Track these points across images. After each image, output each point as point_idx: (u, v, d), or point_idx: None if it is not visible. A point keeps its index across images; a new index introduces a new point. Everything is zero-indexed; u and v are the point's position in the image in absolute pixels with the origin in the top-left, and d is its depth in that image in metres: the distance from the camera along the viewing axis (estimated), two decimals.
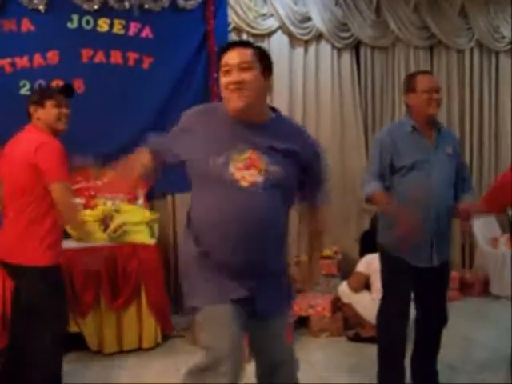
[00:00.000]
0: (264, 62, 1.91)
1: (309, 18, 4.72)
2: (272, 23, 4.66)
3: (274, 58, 4.61)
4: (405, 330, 2.74)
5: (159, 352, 3.67)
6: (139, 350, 3.65)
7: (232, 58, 1.87)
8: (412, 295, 2.82)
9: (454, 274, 4.90)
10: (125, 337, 3.61)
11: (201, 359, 1.87)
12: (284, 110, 4.67)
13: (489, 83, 5.37)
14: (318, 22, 4.72)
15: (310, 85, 4.79)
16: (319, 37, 4.80)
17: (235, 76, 1.84)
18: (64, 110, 2.74)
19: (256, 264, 1.92)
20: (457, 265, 5.21)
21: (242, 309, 1.91)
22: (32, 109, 2.73)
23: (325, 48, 4.83)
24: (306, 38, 4.74)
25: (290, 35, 4.71)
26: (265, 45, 4.67)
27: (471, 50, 5.30)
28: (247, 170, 1.86)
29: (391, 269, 2.75)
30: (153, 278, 3.62)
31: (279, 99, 4.67)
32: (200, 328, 1.98)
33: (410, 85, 2.67)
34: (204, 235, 1.92)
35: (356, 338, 3.79)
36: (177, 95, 4.33)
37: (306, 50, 4.79)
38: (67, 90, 2.84)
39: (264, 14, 4.64)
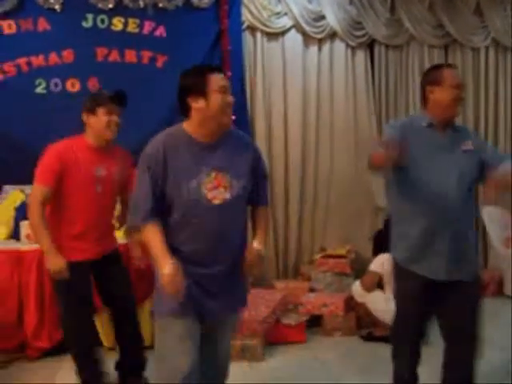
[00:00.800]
0: None
1: (323, 17, 4.72)
2: (286, 22, 4.66)
3: (287, 56, 4.72)
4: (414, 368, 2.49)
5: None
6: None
7: (223, 79, 2.11)
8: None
9: None
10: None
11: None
12: (297, 109, 4.71)
13: (504, 82, 5.32)
14: (332, 20, 4.71)
15: (323, 83, 4.80)
16: (333, 35, 4.79)
17: (231, 97, 2.12)
18: (114, 118, 2.79)
19: (229, 268, 2.16)
20: None
21: (199, 320, 2.11)
22: (84, 116, 2.78)
23: (339, 47, 4.83)
24: (319, 36, 4.74)
25: (304, 34, 4.71)
26: (279, 43, 4.69)
27: (486, 48, 5.25)
28: (216, 189, 2.09)
29: (405, 290, 2.45)
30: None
31: (293, 98, 4.69)
32: (159, 337, 2.13)
33: (435, 78, 2.40)
34: (185, 251, 2.11)
35: (369, 338, 3.78)
36: None
37: (319, 49, 4.80)
38: (120, 98, 2.84)
39: (278, 13, 4.64)
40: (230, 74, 4.42)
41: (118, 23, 4.22)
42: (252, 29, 4.61)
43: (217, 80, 2.08)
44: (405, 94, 5.03)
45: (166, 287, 1.99)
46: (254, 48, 4.64)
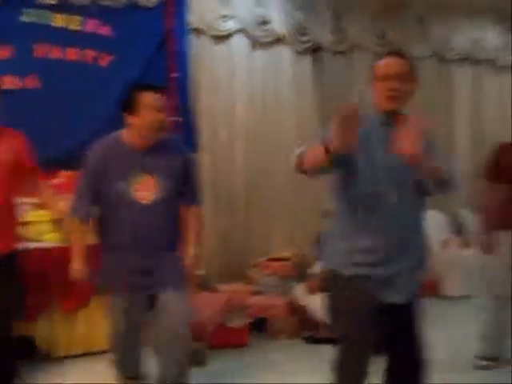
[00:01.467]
0: None
1: (269, 21, 4.75)
2: (232, 25, 4.66)
3: (233, 59, 4.72)
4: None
5: None
6: (92, 354, 3.56)
7: (157, 98, 2.39)
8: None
9: None
10: (77, 340, 3.52)
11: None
12: (243, 113, 4.71)
13: (442, 91, 5.54)
14: (279, 25, 4.76)
15: (269, 87, 4.83)
16: (279, 40, 4.83)
17: (163, 115, 2.42)
18: None
19: (156, 257, 2.49)
20: None
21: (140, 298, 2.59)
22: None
23: (284, 51, 4.88)
24: (265, 40, 4.77)
25: (250, 38, 4.73)
26: (225, 46, 4.68)
27: (426, 58, 5.45)
28: (144, 190, 2.41)
29: (349, 301, 2.10)
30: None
31: (238, 102, 4.69)
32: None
33: (373, 71, 2.13)
34: (116, 244, 2.49)
35: (312, 340, 3.82)
36: None
37: (265, 53, 4.82)
38: None
39: (224, 16, 4.63)
40: (176, 75, 4.38)
41: (59, 20, 4.09)
42: (198, 31, 4.58)
43: (149, 98, 2.37)
44: (349, 99, 5.12)
45: (72, 277, 2.53)
46: (200, 50, 4.60)
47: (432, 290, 5.10)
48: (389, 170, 2.01)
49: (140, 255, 2.47)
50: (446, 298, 5.05)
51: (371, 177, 2.02)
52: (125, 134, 2.46)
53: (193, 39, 4.56)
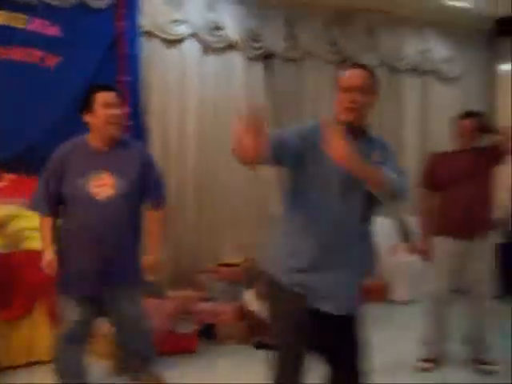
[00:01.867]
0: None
1: (221, 27, 4.75)
2: (184, 30, 4.64)
3: (185, 64, 4.69)
4: None
5: None
6: (34, 363, 3.45)
7: (110, 96, 2.61)
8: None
9: None
10: (18, 350, 3.41)
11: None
12: (194, 118, 4.69)
13: (391, 100, 5.67)
14: (231, 31, 4.76)
15: (221, 93, 4.82)
16: (231, 46, 4.84)
17: (118, 110, 2.63)
18: None
19: (113, 255, 2.62)
20: None
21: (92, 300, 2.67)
22: None
23: (237, 57, 4.89)
24: (218, 46, 4.77)
25: (202, 43, 4.71)
26: (177, 51, 4.65)
27: (376, 67, 5.56)
28: (102, 187, 2.58)
29: (285, 306, 2.09)
30: (53, 286, 3.45)
31: (190, 106, 4.67)
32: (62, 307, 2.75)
33: (336, 82, 2.11)
34: (74, 240, 2.62)
35: (261, 345, 3.82)
36: None
37: (217, 59, 4.82)
38: None
39: (176, 20, 4.61)
40: (126, 78, 4.32)
41: (1, 17, 3.95)
42: (149, 34, 4.54)
43: (103, 97, 2.59)
44: (301, 106, 5.19)
45: (46, 269, 2.63)
46: (151, 54, 4.56)
47: (380, 294, 5.21)
48: (336, 178, 2.01)
49: (97, 251, 2.59)
50: (393, 302, 5.15)
51: (318, 184, 2.03)
52: (88, 136, 2.67)
53: (144, 42, 4.51)
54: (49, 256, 2.62)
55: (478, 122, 3.43)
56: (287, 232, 2.12)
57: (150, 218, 2.79)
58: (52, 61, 4.10)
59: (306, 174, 2.03)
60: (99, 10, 4.25)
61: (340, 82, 2.08)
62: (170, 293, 4.28)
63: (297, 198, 2.08)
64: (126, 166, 2.65)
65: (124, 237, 2.66)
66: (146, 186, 2.71)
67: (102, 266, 2.63)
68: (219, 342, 3.92)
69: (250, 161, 1.75)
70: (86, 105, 2.62)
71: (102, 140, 2.64)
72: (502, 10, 5.67)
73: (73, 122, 4.13)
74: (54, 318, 3.47)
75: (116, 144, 2.66)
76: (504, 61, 6.22)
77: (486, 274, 3.48)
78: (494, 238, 3.78)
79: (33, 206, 2.73)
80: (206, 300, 4.21)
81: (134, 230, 2.71)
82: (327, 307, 2.05)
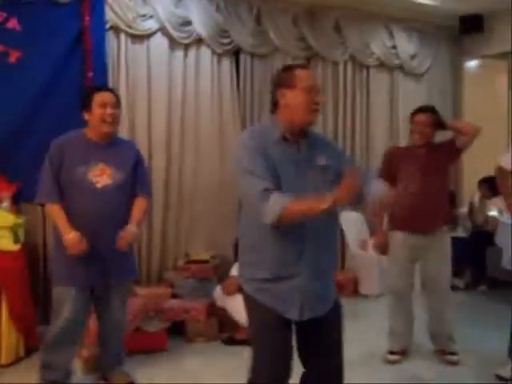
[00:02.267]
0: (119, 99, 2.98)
1: (189, 22, 4.70)
2: (152, 25, 4.57)
3: (152, 60, 4.63)
4: None
5: (21, 367, 3.41)
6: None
7: (107, 96, 2.87)
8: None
9: None
10: None
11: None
12: (162, 114, 4.64)
13: (360, 95, 5.72)
14: (199, 26, 4.72)
15: (189, 88, 4.77)
16: (199, 41, 4.79)
17: (113, 110, 2.86)
18: None
19: (111, 241, 2.80)
20: None
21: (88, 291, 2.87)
22: None
23: (205, 53, 4.83)
24: (186, 41, 4.71)
25: (170, 38, 4.65)
26: (144, 46, 4.59)
27: (345, 63, 5.61)
28: (100, 176, 2.80)
29: (262, 322, 2.08)
30: (15, 286, 3.40)
31: (157, 102, 4.62)
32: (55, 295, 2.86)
33: (286, 80, 2.06)
34: (74, 224, 2.73)
35: (230, 341, 3.82)
36: (49, 94, 4.11)
37: (185, 54, 4.76)
38: None
39: (143, 15, 4.54)
40: (91, 74, 4.25)
41: None
42: (116, 29, 4.45)
43: (100, 97, 2.84)
44: (269, 102, 5.17)
45: (70, 249, 2.71)
46: (118, 49, 4.48)
47: (350, 289, 5.25)
48: (304, 188, 1.99)
49: (96, 238, 2.77)
50: (363, 296, 5.20)
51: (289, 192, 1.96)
52: (85, 130, 2.91)
53: (110, 38, 4.45)
54: (72, 234, 2.70)
55: (432, 116, 3.46)
56: (253, 240, 2.06)
57: (134, 204, 2.99)
58: (13, 56, 4.00)
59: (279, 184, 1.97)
60: (63, 4, 4.18)
61: (301, 83, 2.03)
62: (139, 290, 4.24)
63: None
64: (122, 159, 2.90)
65: (118, 227, 2.83)
66: (135, 181, 2.96)
67: (102, 254, 2.82)
68: (189, 340, 3.90)
69: None
70: (85, 103, 2.86)
71: (97, 136, 2.87)
72: (467, 8, 5.77)
73: (34, 119, 4.14)
74: (19, 320, 3.42)
75: (111, 140, 2.91)
76: (469, 57, 6.34)
77: (443, 267, 3.51)
78: (451, 232, 3.85)
79: (43, 198, 2.82)
80: (175, 297, 4.18)
81: (125, 221, 2.89)
82: (293, 314, 2.04)
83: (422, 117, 3.45)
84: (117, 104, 2.91)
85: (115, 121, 2.89)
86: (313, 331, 2.11)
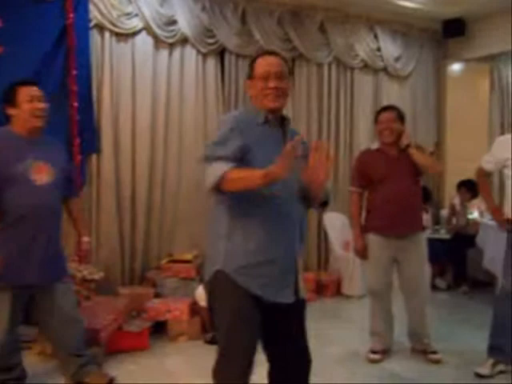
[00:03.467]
0: None
1: (174, 21, 4.70)
2: (136, 23, 4.56)
3: (137, 58, 4.62)
4: None
5: None
6: None
7: (33, 90, 2.77)
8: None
9: (311, 276, 5.17)
10: None
11: None
12: (146, 113, 4.62)
13: (345, 96, 5.75)
14: (184, 25, 4.71)
15: (173, 88, 4.77)
16: (184, 41, 4.79)
17: (42, 104, 2.78)
18: None
19: (50, 239, 2.78)
20: (313, 267, 5.49)
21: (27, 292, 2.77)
22: None
23: (190, 52, 4.83)
24: (170, 40, 4.71)
25: (155, 37, 4.64)
26: (128, 45, 4.57)
27: (329, 64, 5.64)
28: (41, 173, 2.74)
29: (237, 311, 2.03)
30: None
31: (142, 101, 4.60)
32: None
33: (249, 70, 2.14)
34: (14, 221, 2.69)
35: (213, 341, 3.80)
36: None
37: (170, 53, 4.76)
38: None
39: (128, 14, 4.52)
40: (74, 72, 4.23)
41: None
42: (100, 27, 4.43)
43: (27, 91, 2.75)
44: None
45: None
46: (102, 47, 4.46)
47: (333, 289, 5.27)
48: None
49: (37, 236, 2.71)
50: (346, 297, 5.23)
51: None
52: (10, 127, 2.80)
53: (95, 36, 4.43)
54: None
55: (395, 112, 3.47)
56: (229, 227, 2.06)
57: (74, 207, 3.07)
58: None
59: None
60: (47, 2, 4.14)
61: (258, 69, 2.07)
62: (121, 290, 4.23)
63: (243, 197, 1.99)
64: (56, 156, 2.88)
65: (57, 224, 2.85)
66: (67, 180, 2.96)
67: (43, 253, 2.74)
68: (171, 339, 3.88)
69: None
70: (9, 99, 2.76)
71: (28, 131, 2.78)
72: (450, 11, 5.84)
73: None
74: None
75: (40, 136, 2.84)
76: (452, 60, 6.41)
77: (420, 268, 3.53)
78: (426, 234, 3.88)
79: None
80: (158, 297, 4.16)
81: (60, 219, 2.91)
82: (286, 296, 2.05)
83: (386, 114, 3.47)
84: (43, 98, 2.82)
85: (45, 115, 2.81)
86: (281, 315, 2.11)
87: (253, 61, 2.14)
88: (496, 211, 3.37)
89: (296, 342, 2.18)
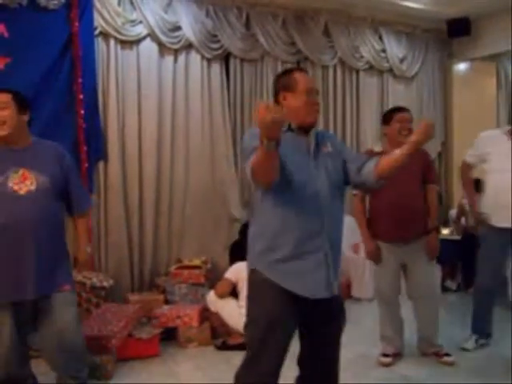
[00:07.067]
0: (18, 101, 2.57)
1: (179, 27, 4.71)
2: (141, 30, 4.58)
3: (142, 65, 4.63)
4: None
5: None
6: None
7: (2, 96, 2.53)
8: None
9: None
10: None
11: None
12: (152, 119, 4.63)
13: (350, 98, 5.74)
14: (188, 31, 4.72)
15: (179, 94, 4.77)
16: (189, 46, 4.80)
17: (5, 112, 2.52)
18: None
19: (40, 251, 2.54)
20: None
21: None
22: None
23: (194, 58, 4.84)
24: (175, 46, 4.72)
25: (160, 43, 4.66)
26: (133, 52, 4.59)
27: (334, 66, 5.63)
28: (23, 182, 2.55)
29: (271, 313, 2.09)
30: None
31: (148, 108, 4.61)
32: None
33: (287, 83, 2.21)
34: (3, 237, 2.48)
35: (224, 347, 3.80)
36: (38, 100, 4.08)
37: (175, 59, 4.77)
38: None
39: (133, 21, 4.54)
40: (80, 80, 4.25)
41: None
42: (105, 35, 4.45)
43: None
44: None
45: None
46: (107, 55, 4.48)
47: (343, 292, 5.24)
48: (318, 174, 2.15)
49: (22, 248, 2.52)
50: (356, 299, 5.20)
51: (304, 178, 2.10)
52: None
53: (100, 43, 4.44)
54: None
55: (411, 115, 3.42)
56: (267, 226, 2.14)
57: (79, 226, 2.87)
58: (2, 62, 3.98)
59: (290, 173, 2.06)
60: (52, 11, 4.17)
61: (300, 85, 2.17)
62: (131, 297, 4.23)
63: (278, 194, 2.09)
64: (43, 162, 2.63)
65: (44, 232, 2.58)
66: (70, 193, 2.74)
67: (33, 266, 2.53)
68: (182, 345, 3.87)
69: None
70: None
71: (11, 141, 2.58)
72: (454, 11, 5.82)
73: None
74: None
75: (32, 143, 2.66)
76: (458, 60, 6.38)
77: (427, 274, 3.50)
78: (443, 235, 3.87)
79: None
80: (168, 303, 4.16)
81: (53, 229, 2.64)
82: (319, 290, 2.12)
83: (404, 114, 3.38)
84: (7, 104, 2.54)
85: (6, 123, 2.53)
86: (319, 316, 2.19)
87: (289, 74, 2.24)
88: (475, 206, 3.66)
89: (330, 349, 2.31)
